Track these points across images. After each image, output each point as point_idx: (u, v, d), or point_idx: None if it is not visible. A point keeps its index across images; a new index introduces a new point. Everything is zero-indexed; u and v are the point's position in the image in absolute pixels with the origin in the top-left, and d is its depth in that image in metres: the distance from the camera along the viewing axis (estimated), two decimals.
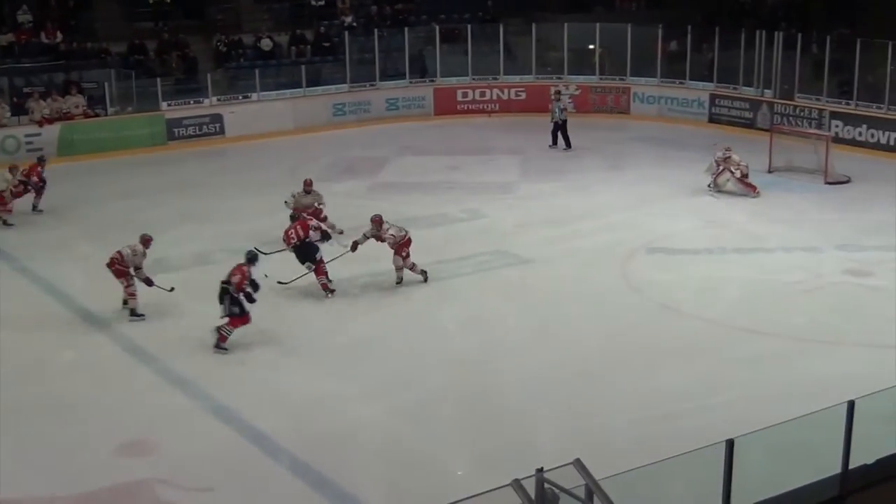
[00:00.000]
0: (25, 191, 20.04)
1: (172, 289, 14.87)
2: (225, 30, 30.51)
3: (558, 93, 27.24)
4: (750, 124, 26.95)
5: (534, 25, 30.45)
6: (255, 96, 28.37)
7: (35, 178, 20.15)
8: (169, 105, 27.14)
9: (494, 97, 30.58)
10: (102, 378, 12.68)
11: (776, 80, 26.81)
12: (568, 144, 25.20)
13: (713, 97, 28.04)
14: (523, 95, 30.34)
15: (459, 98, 30.46)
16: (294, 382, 12.43)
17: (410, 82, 30.39)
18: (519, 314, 14.58)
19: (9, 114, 25.36)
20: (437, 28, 30.52)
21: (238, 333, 13.39)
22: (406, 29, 30.32)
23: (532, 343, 13.53)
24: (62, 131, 25.54)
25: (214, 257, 16.95)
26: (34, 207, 20.12)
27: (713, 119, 27.93)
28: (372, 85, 30.07)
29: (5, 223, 19.41)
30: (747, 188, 20.47)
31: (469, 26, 30.59)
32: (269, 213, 18.88)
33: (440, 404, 11.91)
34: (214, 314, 13.63)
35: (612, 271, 16.17)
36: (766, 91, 27.06)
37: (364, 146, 26.19)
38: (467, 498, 6.87)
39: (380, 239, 15.67)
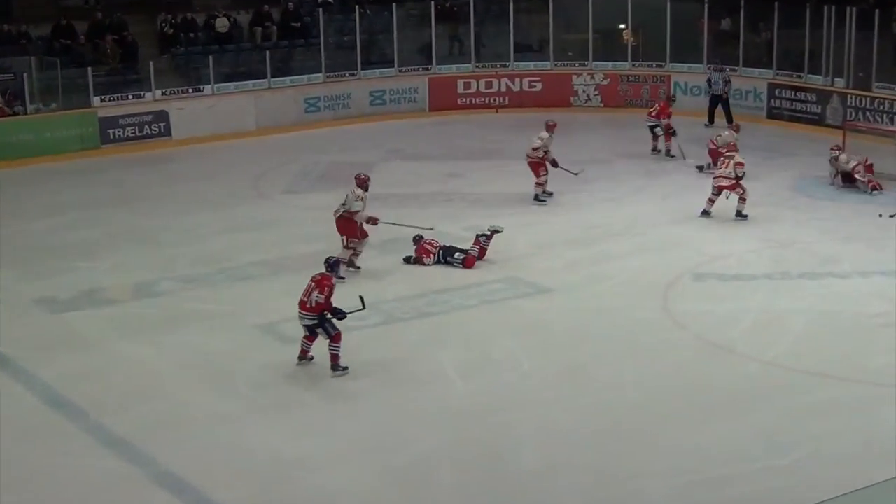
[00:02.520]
0: None
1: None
2: (171, 8, 30.61)
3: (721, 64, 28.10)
4: (818, 120, 27.13)
5: (550, 2, 30.64)
6: (207, 89, 28.56)
7: None
8: (102, 100, 27.30)
9: (503, 89, 30.83)
10: (20, 437, 12.54)
11: (849, 67, 26.94)
12: (730, 120, 26.64)
13: (772, 87, 28.21)
14: (538, 87, 30.64)
15: (460, 90, 30.72)
16: (260, 442, 12.32)
17: (400, 71, 30.61)
18: (535, 356, 14.53)
19: None
20: (433, 5, 30.73)
21: (191, 383, 13.45)
22: (394, 6, 30.45)
23: (551, 391, 13.50)
24: None
25: (159, 287, 17.10)
26: None
27: (773, 115, 28.08)
28: (352, 74, 30.30)
29: None
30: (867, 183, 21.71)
31: (472, 3, 30.78)
32: (227, 232, 18.96)
33: (438, 467, 11.83)
34: (156, 358, 13.77)
35: (651, 302, 16.20)
36: (836, 80, 27.25)
37: (343, 149, 26.32)
38: None
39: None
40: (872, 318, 15.45)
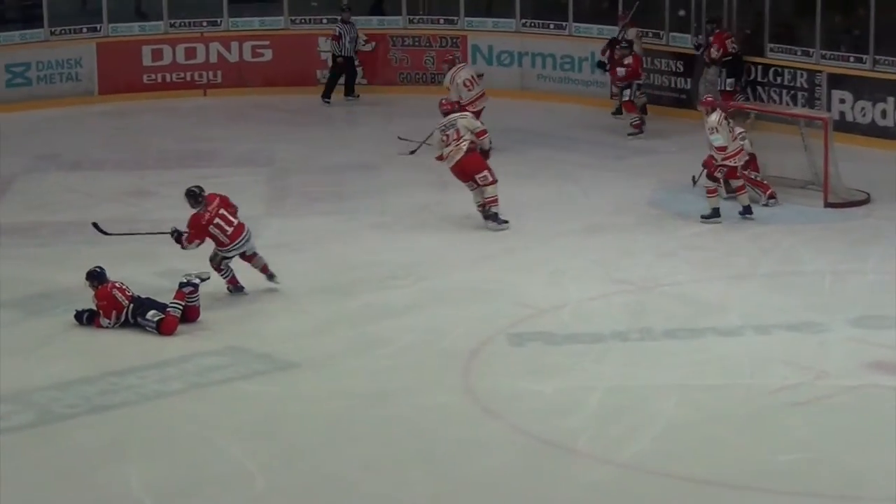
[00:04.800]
0: None
1: None
2: None
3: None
4: (685, 100, 27.90)
5: None
6: None
7: None
8: None
9: (213, 59, 31.01)
10: None
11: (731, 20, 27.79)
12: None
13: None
14: (267, 55, 30.69)
15: (146, 61, 31.13)
16: None
17: (52, 33, 30.35)
18: (273, 468, 14.12)
19: None
20: None
21: None
22: None
23: None
24: None
25: None
26: None
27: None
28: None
29: None
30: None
31: None
32: None
33: None
34: None
35: (448, 380, 16.14)
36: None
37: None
38: None
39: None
40: (775, 395, 15.64)
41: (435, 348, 17.08)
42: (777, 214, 21.86)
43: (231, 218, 18.59)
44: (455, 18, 30.73)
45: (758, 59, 27.13)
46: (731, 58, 26.91)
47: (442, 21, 30.82)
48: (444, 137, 21.88)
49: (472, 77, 26.21)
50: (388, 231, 21.77)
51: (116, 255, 19.65)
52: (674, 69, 28.81)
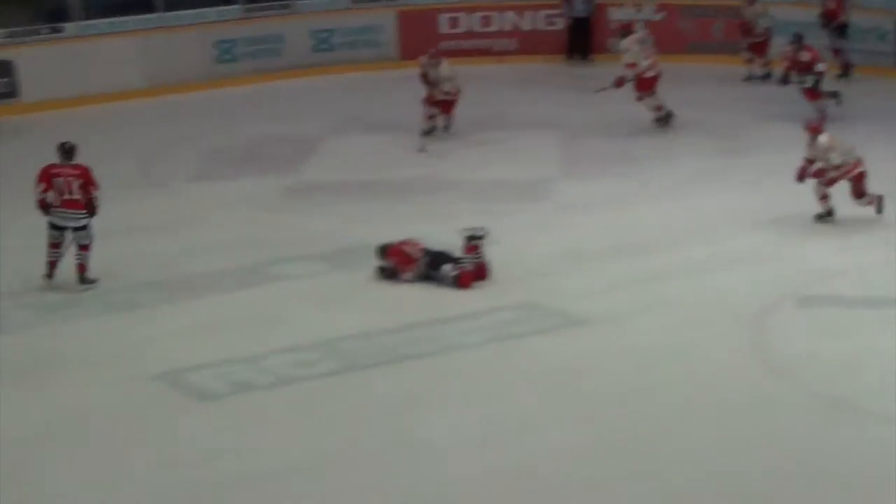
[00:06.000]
0: None
1: None
2: None
3: None
4: None
5: None
6: (71, 28, 28.66)
7: None
8: None
9: (507, 26, 31.16)
10: None
11: None
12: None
13: None
14: (559, 23, 30.52)
15: (444, 29, 31.08)
16: None
17: (354, 1, 30.56)
18: (567, 420, 14.22)
19: None
20: None
21: (59, 466, 13.39)
22: None
23: (592, 472, 13.04)
24: None
25: (5, 319, 17.17)
26: None
27: None
28: (284, 7, 30.37)
29: None
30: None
31: None
32: (101, 238, 18.81)
33: None
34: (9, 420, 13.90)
35: (736, 341, 15.96)
36: None
37: (273, 117, 26.41)
38: None
39: None
40: None
41: (723, 308, 16.90)
42: None
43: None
44: None
45: None
46: None
47: None
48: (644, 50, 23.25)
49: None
50: (676, 194, 21.54)
51: (413, 213, 20.05)
52: None
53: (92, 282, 17.92)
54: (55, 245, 17.99)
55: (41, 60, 27.85)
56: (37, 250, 18.81)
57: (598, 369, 15.42)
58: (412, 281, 17.79)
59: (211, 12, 29.71)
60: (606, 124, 25.57)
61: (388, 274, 17.88)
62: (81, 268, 17.97)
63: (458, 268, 17.69)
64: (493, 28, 30.99)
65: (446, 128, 24.59)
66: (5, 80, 27.68)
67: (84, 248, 17.92)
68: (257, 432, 14.09)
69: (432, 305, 17.30)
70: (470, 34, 30.98)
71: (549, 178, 22.31)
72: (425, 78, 24.53)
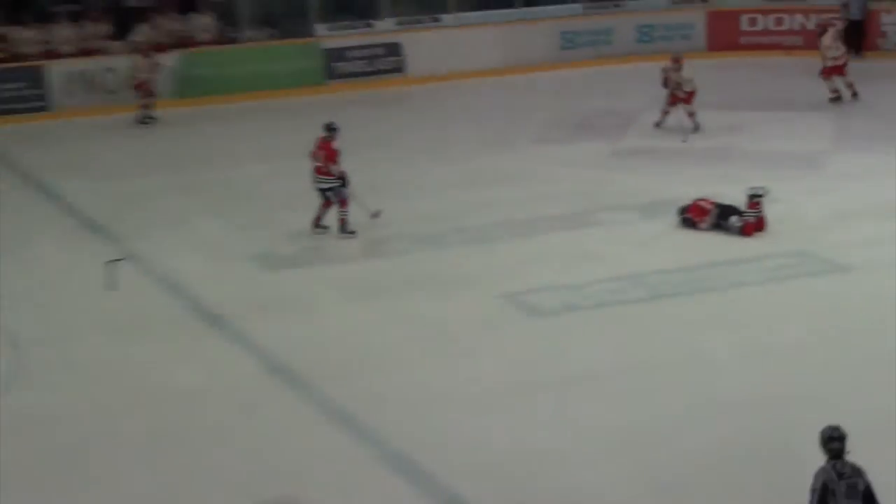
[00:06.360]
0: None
1: None
2: None
3: None
4: None
5: None
6: (448, 19, 29.03)
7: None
8: (330, 30, 28.01)
9: (796, 26, 30.51)
10: (238, 405, 12.88)
11: None
12: None
13: None
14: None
15: (744, 27, 30.69)
16: (493, 432, 12.24)
17: (673, 3, 30.58)
18: (831, 345, 14.01)
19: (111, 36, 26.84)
20: None
21: (421, 364, 13.79)
22: None
23: (850, 385, 12.81)
24: (181, 64, 26.71)
25: (389, 247, 17.65)
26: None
27: None
28: (616, 6, 30.40)
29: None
30: None
31: None
32: (465, 187, 19.21)
33: (702, 470, 11.34)
34: (384, 324, 14.45)
35: None
36: None
37: (605, 94, 26.40)
38: None
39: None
40: None
41: None
42: None
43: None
44: None
45: None
46: None
47: None
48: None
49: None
50: None
51: (711, 176, 19.96)
52: None
53: (350, 233, 17.78)
54: (324, 203, 17.98)
55: (423, 43, 28.29)
56: (410, 197, 19.67)
57: (860, 308, 15.04)
58: (706, 229, 17.68)
59: (558, 9, 29.87)
60: (872, 105, 25.16)
61: (688, 223, 17.87)
62: (341, 221, 17.85)
63: (743, 220, 17.55)
64: (784, 27, 30.40)
65: (696, 129, 23.49)
66: (394, 58, 28.17)
67: (342, 202, 17.79)
68: (574, 344, 14.24)
69: (721, 249, 17.17)
70: (765, 31, 30.49)
71: (824, 150, 21.93)
72: (667, 81, 23.62)
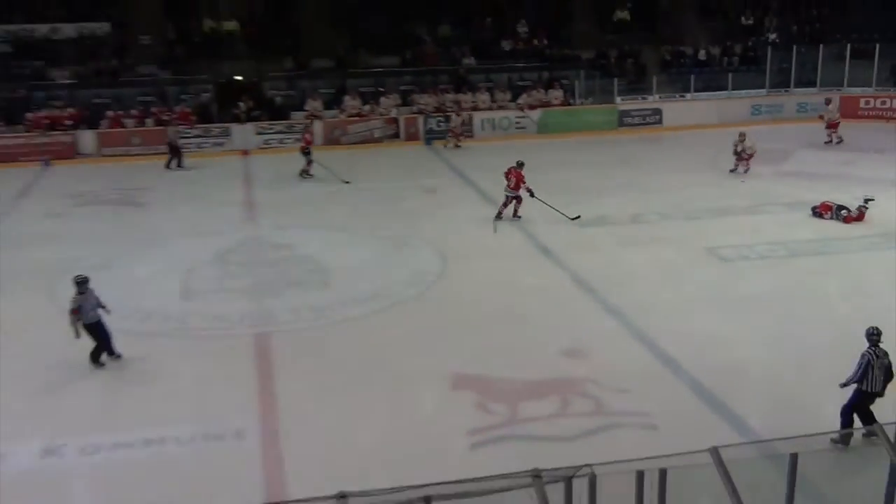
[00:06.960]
0: None
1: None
2: (671, 42, 30.21)
3: None
4: None
5: None
6: (688, 95, 27.98)
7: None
8: (622, 99, 27.45)
9: (895, 106, 27.68)
10: (553, 300, 12.87)
11: None
12: None
13: None
14: None
15: (862, 105, 28.03)
16: (697, 322, 11.89)
17: (820, 90, 28.33)
18: None
19: (508, 98, 27.00)
20: (849, 45, 28.17)
21: (661, 284, 13.29)
22: (821, 46, 28.46)
23: None
24: (542, 116, 26.75)
25: (645, 218, 17.09)
26: None
27: None
28: (786, 90, 28.55)
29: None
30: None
31: (878, 45, 27.84)
32: (688, 187, 18.56)
33: (819, 359, 10.61)
34: (638, 260, 14.12)
35: None
36: None
37: (775, 140, 24.70)
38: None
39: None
40: None
41: None
42: None
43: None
44: None
45: None
46: None
47: None
48: None
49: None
50: None
51: (832, 188, 18.22)
52: None
53: (518, 217, 16.50)
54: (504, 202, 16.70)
55: (674, 110, 27.40)
56: (651, 191, 18.92)
57: None
58: (828, 220, 16.36)
59: (750, 91, 28.21)
60: None
61: (816, 215, 16.47)
62: (514, 211, 16.67)
63: (848, 213, 16.31)
64: (886, 105, 27.71)
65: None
66: (658, 116, 27.30)
67: (516, 201, 16.57)
68: (745, 278, 13.61)
69: (835, 231, 15.79)
70: (874, 108, 27.83)
71: None
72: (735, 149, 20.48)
